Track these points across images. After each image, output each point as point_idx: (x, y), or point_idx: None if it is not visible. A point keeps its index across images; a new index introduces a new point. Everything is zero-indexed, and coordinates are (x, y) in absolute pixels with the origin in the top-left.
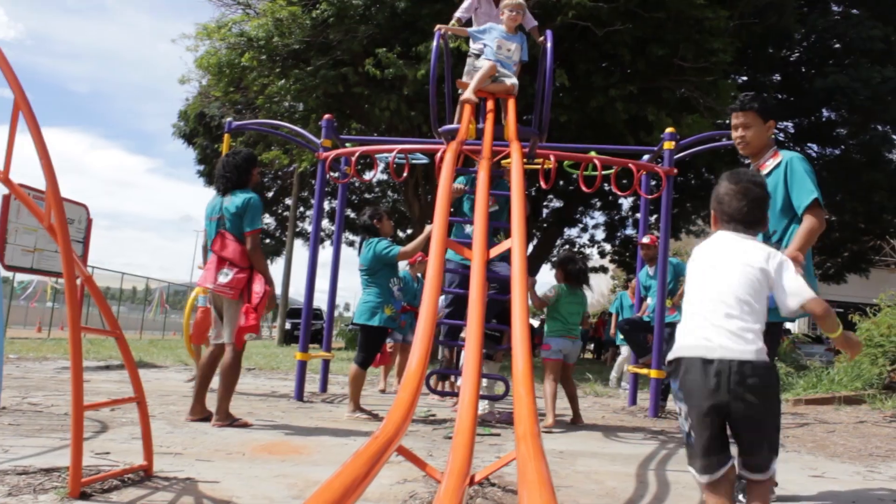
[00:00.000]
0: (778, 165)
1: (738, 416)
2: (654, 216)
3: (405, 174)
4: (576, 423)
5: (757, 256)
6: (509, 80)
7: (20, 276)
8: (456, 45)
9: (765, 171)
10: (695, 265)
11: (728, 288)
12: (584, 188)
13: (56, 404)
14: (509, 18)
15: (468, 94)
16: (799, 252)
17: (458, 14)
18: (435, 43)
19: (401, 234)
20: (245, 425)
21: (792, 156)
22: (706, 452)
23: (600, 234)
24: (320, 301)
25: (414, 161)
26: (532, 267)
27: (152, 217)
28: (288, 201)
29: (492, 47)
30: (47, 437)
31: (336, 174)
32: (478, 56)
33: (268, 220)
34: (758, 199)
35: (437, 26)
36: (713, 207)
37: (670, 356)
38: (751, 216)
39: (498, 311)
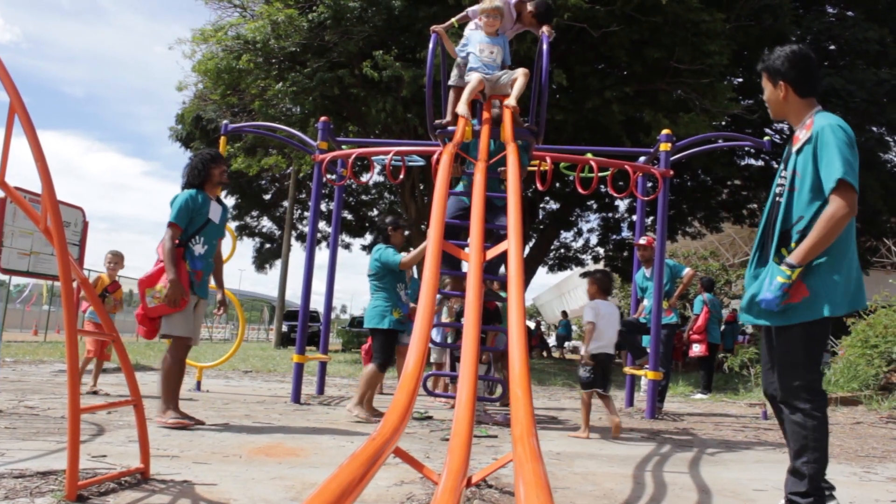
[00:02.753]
0: (809, 139)
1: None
2: (651, 218)
3: (402, 176)
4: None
5: (615, 312)
6: (505, 78)
7: (16, 280)
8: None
9: (795, 147)
10: (595, 314)
11: (613, 329)
12: (580, 190)
13: (52, 407)
14: (487, 24)
15: (461, 107)
16: (807, 254)
17: (470, 10)
18: (431, 45)
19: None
20: (181, 427)
21: (825, 124)
22: (595, 383)
23: (594, 239)
24: (317, 303)
25: (410, 163)
26: (528, 269)
27: (149, 220)
28: (285, 204)
29: (475, 53)
30: (44, 441)
31: (333, 176)
32: (465, 64)
33: (266, 222)
34: (611, 282)
35: (433, 28)
36: (596, 284)
37: (594, 351)
38: (609, 290)
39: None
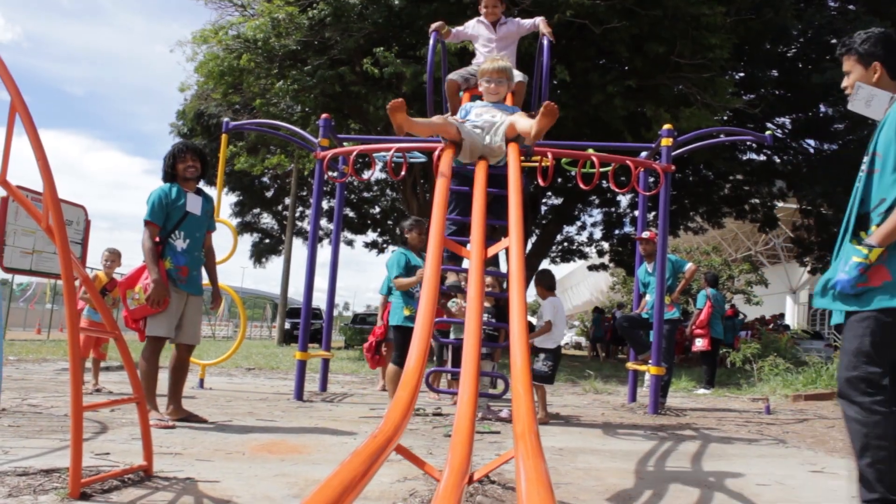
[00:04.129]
0: (887, 118)
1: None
2: (653, 213)
3: (403, 173)
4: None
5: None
6: (498, 138)
7: (19, 278)
8: (455, 46)
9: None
10: (554, 312)
11: (564, 323)
12: (581, 185)
13: (56, 405)
14: (488, 91)
15: (403, 126)
16: (888, 235)
17: (451, 29)
18: (431, 43)
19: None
20: (162, 426)
21: None
22: (552, 378)
23: (598, 233)
24: (319, 300)
25: (412, 160)
26: (531, 264)
27: None
28: (287, 200)
29: (472, 120)
30: (47, 439)
31: (334, 173)
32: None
33: (267, 219)
34: (553, 279)
35: (432, 27)
36: (541, 284)
37: (552, 345)
38: (554, 286)
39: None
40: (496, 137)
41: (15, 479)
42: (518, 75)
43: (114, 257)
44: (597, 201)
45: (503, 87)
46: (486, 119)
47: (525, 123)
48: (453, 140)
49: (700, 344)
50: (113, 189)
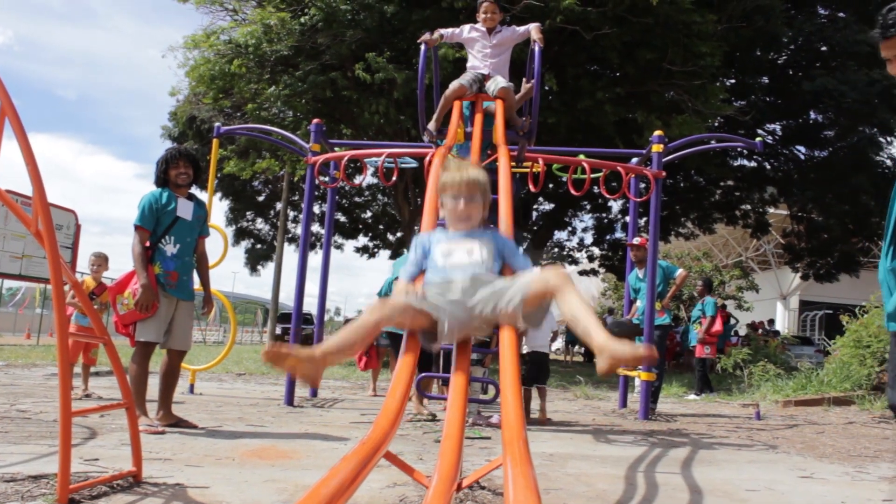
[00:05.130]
0: None
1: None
2: (644, 219)
3: (394, 178)
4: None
5: (550, 316)
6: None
7: (8, 283)
8: (457, 54)
9: None
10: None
11: (547, 330)
12: (573, 191)
13: (45, 411)
14: (455, 215)
15: (317, 369)
16: None
17: (443, 31)
18: (422, 53)
19: (391, 237)
20: (152, 432)
21: None
22: (532, 380)
23: (589, 238)
24: (310, 305)
25: (403, 165)
26: None
27: None
28: (279, 205)
29: (436, 261)
30: (36, 444)
31: (325, 178)
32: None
33: (260, 225)
34: None
35: (421, 39)
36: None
37: (527, 351)
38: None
39: None
40: (500, 303)
41: (2, 485)
42: (502, 81)
43: (100, 261)
44: (588, 207)
45: (476, 209)
46: (461, 268)
47: (591, 323)
48: (417, 327)
49: (707, 351)
50: (104, 193)
